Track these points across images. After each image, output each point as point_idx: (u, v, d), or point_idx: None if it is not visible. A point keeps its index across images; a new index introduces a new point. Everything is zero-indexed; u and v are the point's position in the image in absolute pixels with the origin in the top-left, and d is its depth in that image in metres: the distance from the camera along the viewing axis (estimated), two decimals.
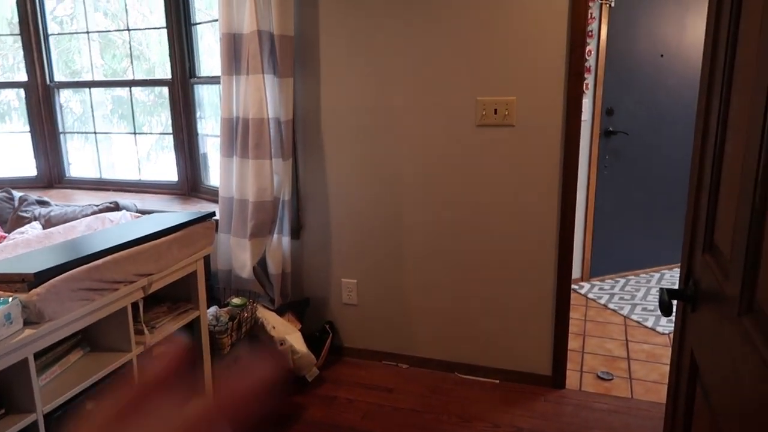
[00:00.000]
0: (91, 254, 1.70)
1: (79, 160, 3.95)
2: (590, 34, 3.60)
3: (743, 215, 0.84)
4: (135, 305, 1.95)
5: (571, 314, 3.52)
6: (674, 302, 1.20)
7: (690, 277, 1.24)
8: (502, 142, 2.55)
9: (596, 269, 4.07)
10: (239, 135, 2.71)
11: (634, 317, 3.48)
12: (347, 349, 3.06)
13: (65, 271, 1.62)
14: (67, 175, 3.96)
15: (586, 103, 3.73)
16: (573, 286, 3.98)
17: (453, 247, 2.74)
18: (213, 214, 2.27)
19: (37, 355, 1.63)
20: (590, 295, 3.82)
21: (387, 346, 2.99)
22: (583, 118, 3.72)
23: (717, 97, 1.10)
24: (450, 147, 2.63)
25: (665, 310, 1.13)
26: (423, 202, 2.74)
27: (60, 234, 2.14)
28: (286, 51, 2.60)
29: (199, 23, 3.36)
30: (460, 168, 2.64)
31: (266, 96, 2.63)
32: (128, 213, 2.48)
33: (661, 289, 1.18)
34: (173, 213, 2.31)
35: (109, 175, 3.88)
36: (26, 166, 3.88)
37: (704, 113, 1.19)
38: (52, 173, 3.93)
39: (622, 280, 4.07)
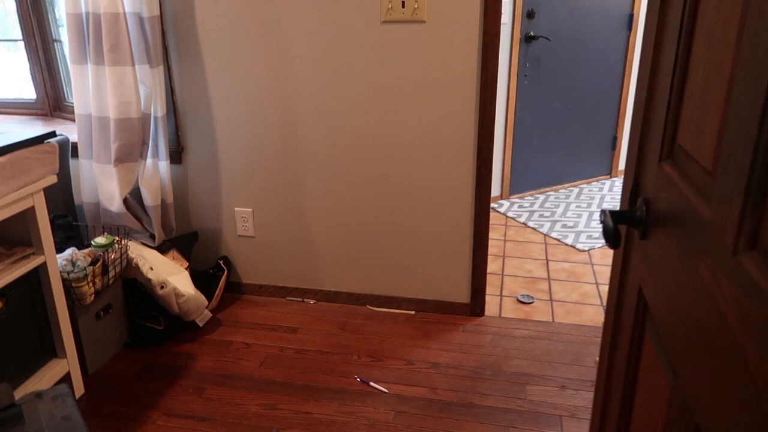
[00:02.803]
0: None
1: None
2: None
3: (745, 111, 0.54)
4: None
5: (490, 235, 3.33)
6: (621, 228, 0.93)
7: (637, 194, 0.96)
8: (411, 41, 2.17)
9: (516, 186, 3.88)
10: (91, 35, 2.18)
11: (554, 235, 3.33)
12: (246, 285, 2.72)
13: None
14: None
15: (506, 4, 3.37)
16: (492, 205, 3.78)
17: (358, 168, 2.39)
18: (52, 134, 1.79)
19: None
20: (510, 214, 3.64)
21: (291, 280, 2.67)
22: (503, 21, 3.37)
23: None
24: (351, 49, 2.23)
25: (612, 239, 0.85)
26: (322, 117, 2.35)
27: None
28: None
29: None
30: (364, 74, 2.25)
31: None
32: None
33: (604, 211, 0.90)
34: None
35: None
36: None
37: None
38: None
39: (542, 197, 3.91)
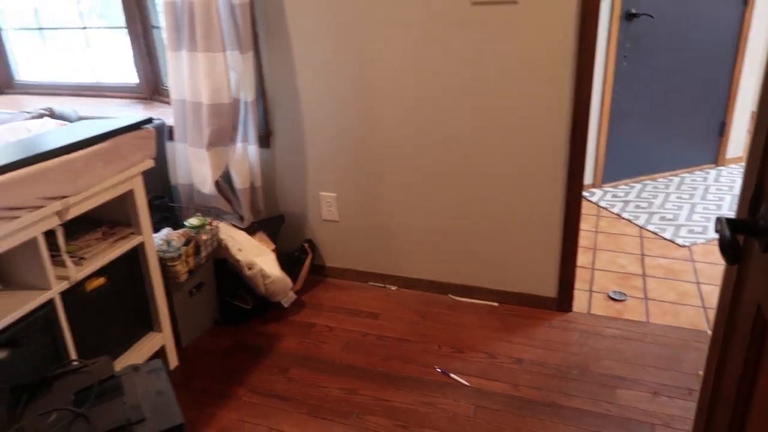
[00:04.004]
0: None
1: (31, 61, 3.49)
2: None
3: None
4: (52, 234, 1.61)
5: (581, 225, 3.18)
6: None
7: (761, 200, 0.85)
8: (503, 23, 2.07)
9: (610, 174, 3.67)
10: (185, 22, 2.25)
11: (650, 228, 3.12)
12: (329, 269, 2.76)
13: None
14: (15, 79, 3.51)
15: None
16: (583, 193, 3.60)
17: (443, 153, 2.34)
18: (149, 120, 1.87)
19: None
20: (602, 203, 3.45)
21: (373, 266, 2.67)
22: None
23: None
24: (440, 31, 2.16)
25: (731, 252, 0.76)
26: (408, 101, 2.30)
27: None
28: None
29: None
30: (453, 58, 2.18)
31: None
32: (52, 121, 2.08)
33: (720, 219, 0.80)
34: (104, 120, 1.91)
35: (65, 78, 3.43)
36: None
37: None
38: None
39: (638, 186, 3.67)
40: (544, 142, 2.19)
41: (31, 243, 1.55)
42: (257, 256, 2.39)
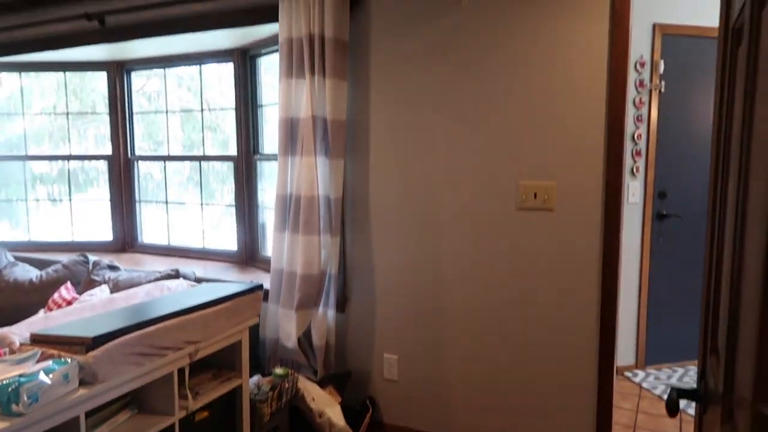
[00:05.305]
0: (144, 321, 1.86)
1: (152, 226, 4.27)
2: (640, 119, 3.64)
3: (727, 326, 0.87)
4: (182, 371, 2.08)
5: (622, 404, 3.39)
6: (682, 401, 1.20)
7: (703, 377, 1.24)
8: (542, 225, 2.60)
9: (652, 356, 3.91)
10: (291, 211, 2.90)
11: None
12: (387, 425, 3.07)
13: (120, 336, 1.78)
14: (139, 241, 4.28)
15: (638, 186, 3.72)
16: (626, 374, 3.83)
17: (492, 327, 2.75)
18: (261, 286, 2.42)
19: (88, 414, 1.77)
20: (644, 384, 3.67)
21: (427, 424, 2.97)
22: (634, 201, 3.71)
23: (724, 190, 1.14)
24: (491, 228, 2.70)
25: (671, 409, 1.14)
26: (463, 282, 2.79)
27: (122, 300, 2.33)
28: (338, 134, 2.80)
29: (265, 105, 3.66)
30: (501, 250, 2.69)
31: (317, 175, 2.82)
32: (185, 282, 2.68)
33: (672, 388, 1.19)
34: (224, 283, 2.48)
35: (177, 241, 4.16)
36: (106, 230, 4.24)
37: (712, 212, 1.23)
38: (125, 238, 4.26)
39: (681, 370, 3.88)
40: (577, 327, 2.58)
41: (168, 377, 2.02)
42: (326, 406, 2.77)
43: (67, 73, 4.24)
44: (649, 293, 3.84)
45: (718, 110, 1.21)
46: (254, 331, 3.04)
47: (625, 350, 3.89)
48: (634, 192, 3.72)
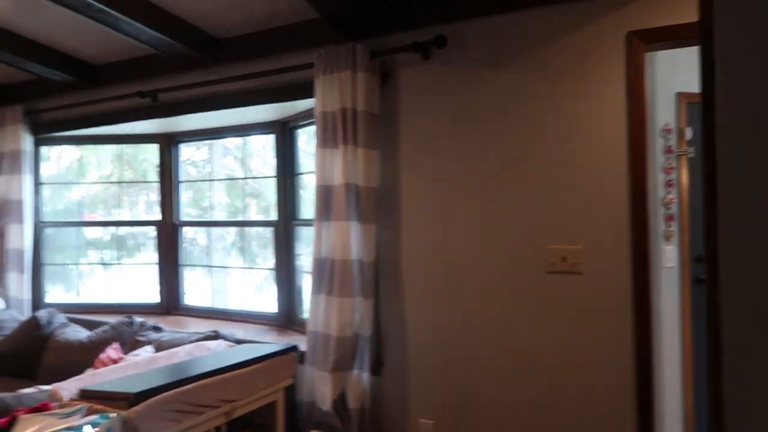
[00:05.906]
0: (183, 379, 1.95)
1: (195, 289, 4.44)
2: (671, 183, 3.67)
3: None
4: (219, 429, 2.15)
5: None
6: None
7: None
8: (571, 289, 2.62)
9: (703, 430, 3.75)
10: (326, 274, 3.00)
11: None
12: None
13: (160, 393, 1.87)
14: (182, 303, 4.44)
15: (673, 250, 3.70)
16: None
17: (521, 393, 2.73)
18: (295, 347, 2.49)
19: None
20: None
21: None
22: (670, 265, 3.68)
23: None
24: (522, 291, 2.73)
25: None
26: (494, 347, 2.80)
27: (164, 358, 2.44)
28: (369, 200, 2.94)
29: (302, 173, 3.85)
30: (531, 313, 2.71)
31: (350, 240, 2.93)
32: (224, 342, 2.78)
33: None
34: (261, 344, 2.56)
35: (219, 303, 4.30)
36: (153, 293, 4.44)
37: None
38: (170, 301, 4.43)
39: None
40: (611, 396, 2.54)
41: None
42: None
43: (122, 144, 4.57)
44: (693, 363, 3.72)
45: None
46: (291, 392, 3.09)
47: (670, 425, 3.74)
48: (669, 257, 3.69)
